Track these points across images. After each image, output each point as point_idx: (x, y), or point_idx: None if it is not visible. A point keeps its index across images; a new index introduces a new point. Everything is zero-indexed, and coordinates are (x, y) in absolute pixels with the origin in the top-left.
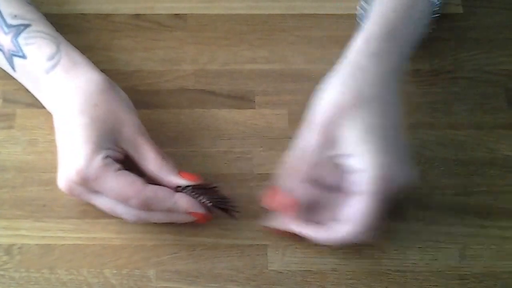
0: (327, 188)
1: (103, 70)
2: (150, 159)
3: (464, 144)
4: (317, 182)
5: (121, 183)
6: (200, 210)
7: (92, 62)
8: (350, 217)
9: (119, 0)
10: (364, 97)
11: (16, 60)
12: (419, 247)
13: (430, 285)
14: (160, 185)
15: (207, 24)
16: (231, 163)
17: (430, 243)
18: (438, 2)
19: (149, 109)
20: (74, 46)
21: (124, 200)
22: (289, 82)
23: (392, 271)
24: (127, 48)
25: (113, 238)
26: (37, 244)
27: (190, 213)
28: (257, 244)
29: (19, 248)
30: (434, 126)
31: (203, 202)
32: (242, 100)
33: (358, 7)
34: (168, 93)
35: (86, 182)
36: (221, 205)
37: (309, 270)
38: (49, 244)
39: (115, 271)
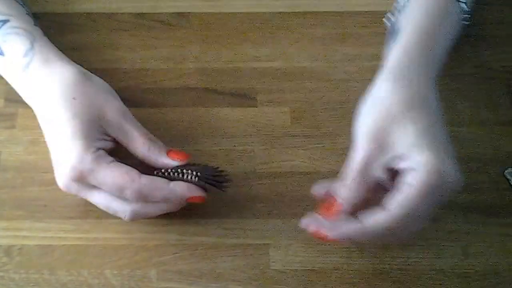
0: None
1: (107, 69)
2: (138, 142)
3: (467, 141)
4: (367, 187)
5: (115, 173)
6: (198, 193)
7: (97, 60)
8: (397, 203)
9: None
10: (412, 103)
11: None
12: (421, 245)
13: (433, 283)
14: (152, 168)
15: (211, 23)
16: (233, 161)
17: (432, 241)
18: (468, 9)
19: (153, 108)
20: (80, 45)
21: (119, 191)
22: (292, 80)
23: (394, 269)
24: (131, 46)
25: (114, 238)
26: (37, 245)
27: (188, 198)
28: (259, 244)
29: (19, 249)
30: None
31: (190, 179)
32: (245, 98)
33: (384, 20)
34: (171, 91)
35: (81, 178)
36: (209, 180)
37: (312, 269)
38: (50, 245)
39: (116, 272)
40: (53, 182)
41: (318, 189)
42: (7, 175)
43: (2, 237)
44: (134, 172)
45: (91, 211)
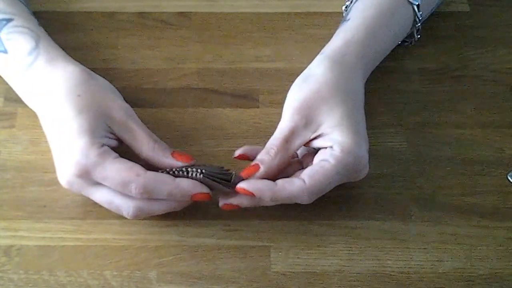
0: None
1: (108, 69)
2: (143, 142)
3: (470, 143)
4: (286, 157)
5: (120, 168)
6: (203, 190)
7: (98, 60)
8: (309, 174)
9: None
10: (341, 87)
11: None
12: (424, 248)
13: (435, 287)
14: (156, 169)
15: (212, 23)
16: (234, 162)
17: (435, 244)
18: (420, 13)
19: (154, 108)
20: (81, 44)
21: (124, 185)
22: (294, 81)
23: (397, 272)
24: (132, 46)
25: (114, 239)
26: (36, 245)
27: (193, 195)
28: (260, 246)
29: (18, 249)
30: (440, 125)
31: (195, 176)
32: (246, 99)
33: (343, 8)
34: (172, 91)
35: (86, 173)
36: (214, 177)
37: (313, 272)
38: (49, 246)
39: (115, 273)
40: (52, 182)
41: (238, 151)
42: (6, 175)
43: (1, 237)
44: (139, 167)
45: (91, 212)
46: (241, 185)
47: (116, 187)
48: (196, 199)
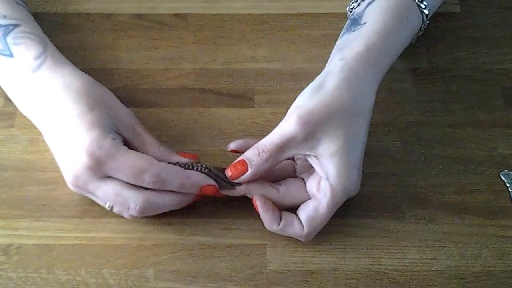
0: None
1: (105, 69)
2: (149, 145)
3: (462, 142)
4: (275, 164)
5: (134, 157)
6: (212, 182)
7: (95, 60)
8: (307, 221)
9: (121, 0)
10: (350, 110)
11: (2, 59)
12: (418, 246)
13: (429, 285)
14: None
15: (208, 24)
16: (230, 162)
17: (429, 242)
18: (428, 22)
19: (151, 108)
20: (79, 45)
21: (138, 175)
22: (289, 81)
23: (391, 270)
24: (129, 47)
25: (112, 238)
26: (35, 244)
27: (203, 186)
28: (256, 244)
29: (16, 248)
30: (432, 124)
31: (202, 171)
32: (242, 99)
33: (347, 8)
34: (169, 91)
35: (98, 164)
36: (220, 174)
37: (308, 270)
38: (47, 244)
39: (113, 271)
40: (51, 181)
41: (232, 146)
42: (5, 174)
43: (0, 236)
44: (151, 157)
45: (89, 211)
46: (256, 201)
47: (129, 177)
48: (205, 192)
